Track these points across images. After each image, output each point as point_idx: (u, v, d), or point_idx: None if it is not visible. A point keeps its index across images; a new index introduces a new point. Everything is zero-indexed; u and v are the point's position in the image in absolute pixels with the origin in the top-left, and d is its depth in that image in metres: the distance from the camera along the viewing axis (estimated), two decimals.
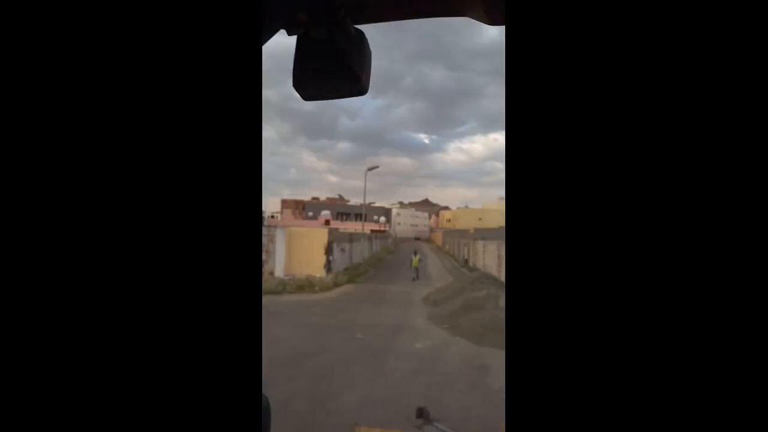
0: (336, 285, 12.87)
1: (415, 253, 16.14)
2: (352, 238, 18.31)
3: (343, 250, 16.24)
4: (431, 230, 60.47)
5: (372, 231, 31.85)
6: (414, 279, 14.70)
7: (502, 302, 8.07)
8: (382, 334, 6.98)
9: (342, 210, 47.91)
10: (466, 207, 59.85)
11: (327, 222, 34.95)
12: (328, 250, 14.10)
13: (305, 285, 12.01)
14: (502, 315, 7.45)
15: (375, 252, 24.97)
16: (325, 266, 13.79)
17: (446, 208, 75.12)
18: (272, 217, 35.04)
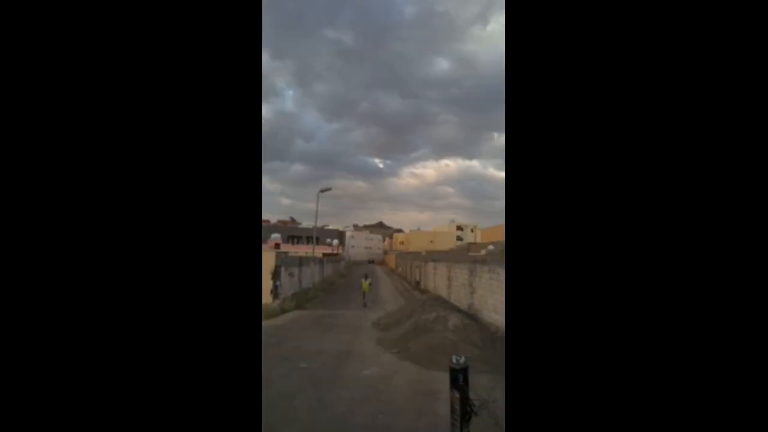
0: (283, 311, 12.30)
1: (366, 277, 15.77)
2: (302, 261, 17.77)
3: (291, 274, 15.67)
4: (385, 253, 60.67)
5: (324, 254, 31.27)
6: (364, 305, 14.25)
7: (450, 323, 8.10)
8: (329, 361, 6.68)
9: (293, 233, 46.72)
10: (419, 230, 60.96)
11: (277, 245, 33.83)
12: (276, 275, 13.54)
13: None
14: (451, 336, 7.48)
15: (326, 276, 24.42)
16: (271, 292, 13.19)
17: (399, 230, 76.01)
18: None
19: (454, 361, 2.81)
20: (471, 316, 9.66)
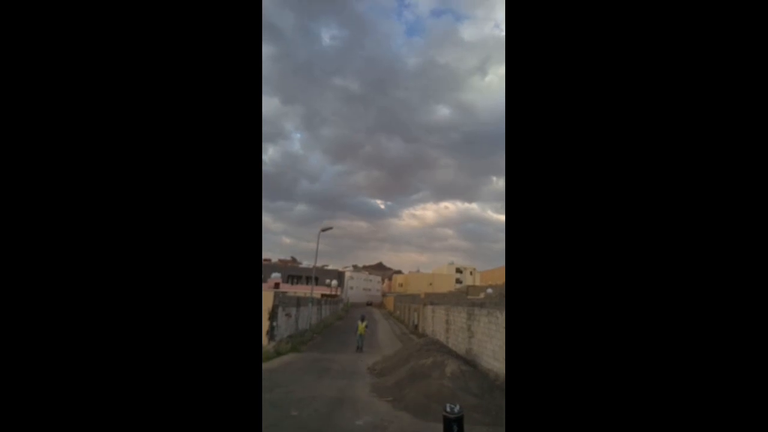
0: (278, 354, 11.97)
1: (362, 320, 15.10)
2: (299, 302, 17.50)
3: (288, 315, 15.39)
4: (383, 294, 59.63)
5: (323, 295, 30.75)
6: (358, 349, 13.65)
7: (448, 370, 7.87)
8: (321, 409, 6.44)
9: (293, 273, 46.25)
10: (418, 271, 60.38)
11: (276, 285, 33.36)
12: (272, 316, 13.31)
13: None
14: (448, 384, 7.22)
15: (324, 317, 23.91)
16: (267, 333, 12.91)
17: (399, 272, 75.20)
18: None
19: (448, 409, 2.73)
20: (469, 362, 9.39)
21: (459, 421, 2.71)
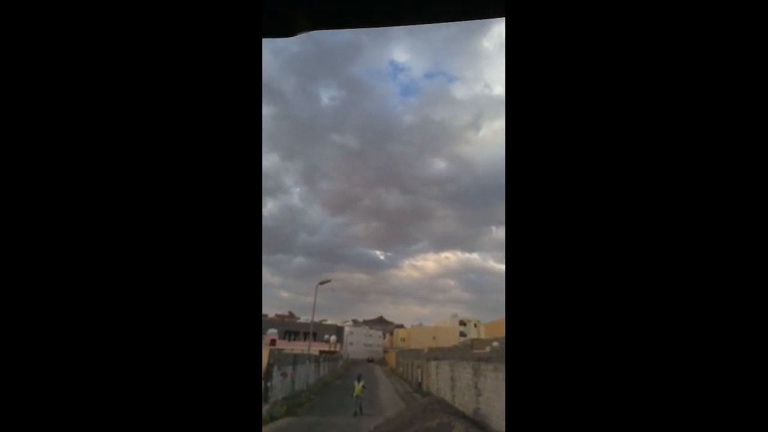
0: (272, 419, 11.18)
1: (359, 379, 13.47)
2: (296, 360, 16.73)
3: (284, 374, 14.63)
4: (385, 351, 57.27)
5: (321, 351, 29.52)
6: (356, 413, 12.04)
7: None
8: None
9: (291, 328, 44.76)
10: (421, 325, 58.51)
11: (273, 341, 32.13)
12: (267, 376, 12.63)
13: None
14: None
15: (322, 376, 22.73)
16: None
17: (401, 326, 72.91)
18: None
19: None
20: (477, 424, 8.76)
21: None
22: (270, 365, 12.84)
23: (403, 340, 54.70)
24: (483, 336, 28.07)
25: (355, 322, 67.60)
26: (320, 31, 0.64)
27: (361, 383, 13.31)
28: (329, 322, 51.63)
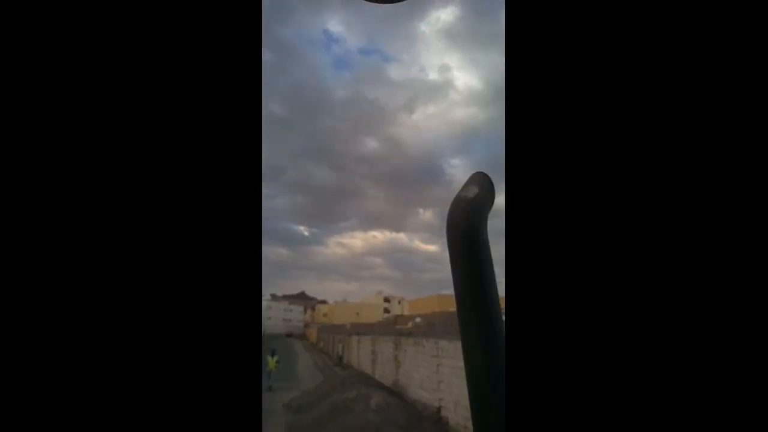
0: None
1: (273, 354, 12.37)
2: None
3: None
4: (306, 326, 56.97)
5: None
6: (270, 388, 11.05)
7: (373, 402, 7.28)
8: None
9: None
10: (344, 301, 59.05)
11: None
12: None
13: None
14: (373, 417, 6.65)
15: None
16: None
17: (323, 301, 72.95)
18: None
19: None
20: (396, 394, 8.89)
21: None
22: None
23: (326, 315, 54.78)
24: (406, 313, 29.07)
25: (274, 297, 66.06)
26: None
27: (275, 358, 12.46)
28: None
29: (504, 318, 0.40)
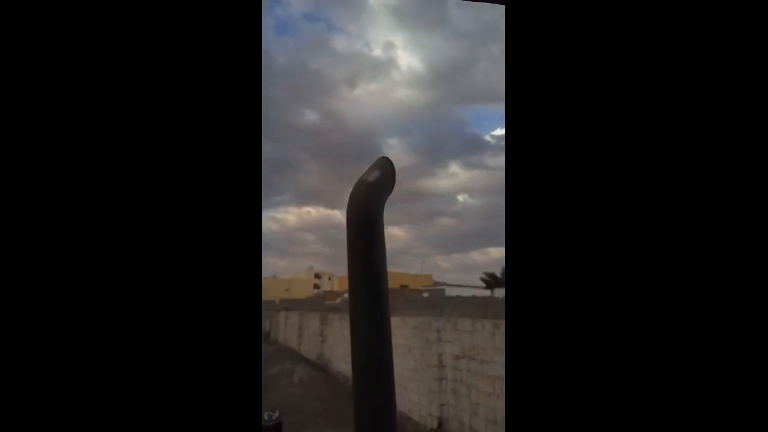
0: None
1: None
2: None
3: None
4: None
5: None
6: None
7: (296, 377, 7.58)
8: None
9: None
10: (275, 277, 57.92)
11: None
12: None
13: None
14: (296, 391, 6.94)
15: None
16: None
17: None
18: None
19: (265, 417, 2.47)
20: (320, 367, 9.28)
21: (277, 428, 2.50)
22: None
23: None
24: (336, 288, 29.49)
25: None
26: None
27: None
28: None
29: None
